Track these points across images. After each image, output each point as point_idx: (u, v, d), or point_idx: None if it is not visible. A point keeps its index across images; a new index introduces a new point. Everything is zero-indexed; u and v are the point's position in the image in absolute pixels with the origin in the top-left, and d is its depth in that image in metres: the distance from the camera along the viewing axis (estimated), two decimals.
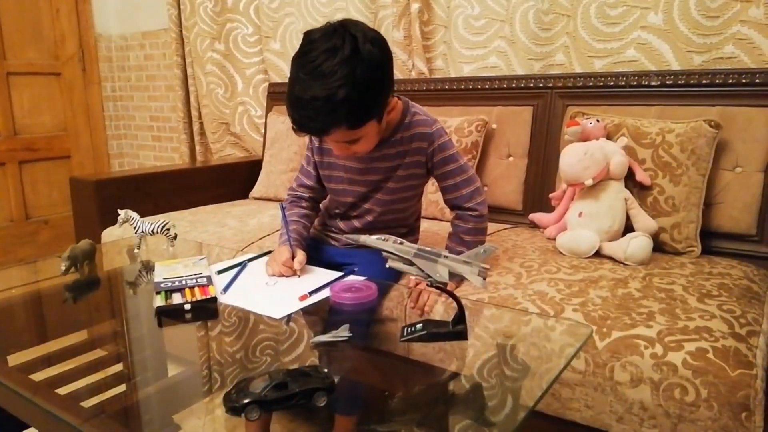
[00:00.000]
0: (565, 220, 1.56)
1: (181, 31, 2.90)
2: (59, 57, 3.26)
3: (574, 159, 1.47)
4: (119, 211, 1.44)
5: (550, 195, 1.69)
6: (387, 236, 0.90)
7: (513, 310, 1.16)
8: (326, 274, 1.22)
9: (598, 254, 1.44)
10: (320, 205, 1.48)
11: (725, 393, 0.96)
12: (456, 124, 1.91)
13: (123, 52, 3.40)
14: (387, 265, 0.89)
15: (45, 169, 3.29)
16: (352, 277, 1.20)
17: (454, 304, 0.91)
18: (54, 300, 1.26)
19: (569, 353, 0.92)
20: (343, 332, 0.91)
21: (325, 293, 1.11)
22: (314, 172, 1.40)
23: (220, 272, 1.25)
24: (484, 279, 0.87)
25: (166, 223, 1.43)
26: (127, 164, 3.62)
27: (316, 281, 1.16)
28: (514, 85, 1.94)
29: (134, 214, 1.43)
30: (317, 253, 1.42)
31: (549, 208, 1.73)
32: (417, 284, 1.29)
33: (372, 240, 0.90)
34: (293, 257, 1.21)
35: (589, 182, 1.45)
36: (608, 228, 1.45)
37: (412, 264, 0.87)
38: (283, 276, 1.19)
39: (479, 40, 2.09)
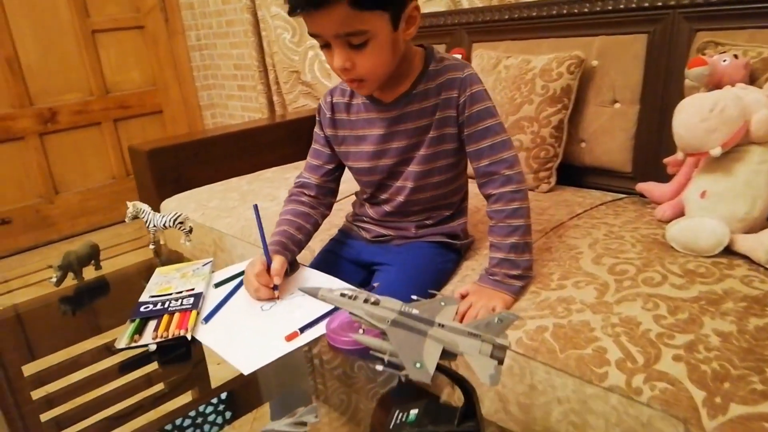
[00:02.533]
0: (683, 200, 1.14)
1: None
2: (140, 9, 3.18)
3: (695, 118, 1.03)
4: (128, 204, 1.28)
5: (665, 160, 1.26)
6: (359, 291, 0.61)
7: (565, 374, 0.81)
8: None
9: (728, 250, 1.03)
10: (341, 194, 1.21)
11: None
12: (541, 65, 1.50)
13: None
14: (354, 337, 0.61)
15: (140, 126, 3.31)
16: None
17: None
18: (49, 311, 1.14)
19: None
20: (308, 416, 0.66)
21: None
22: (325, 150, 1.13)
23: (218, 285, 1.04)
24: (500, 363, 0.56)
25: (179, 216, 1.25)
26: (219, 115, 3.56)
27: (319, 306, 0.91)
28: (622, 6, 1.46)
29: (144, 207, 1.26)
30: (344, 250, 1.17)
31: (665, 174, 1.30)
32: (460, 299, 1.00)
33: (335, 297, 0.61)
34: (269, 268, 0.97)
35: (716, 152, 1.01)
36: (744, 215, 1.02)
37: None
38: (268, 300, 0.95)
39: None
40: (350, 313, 0.60)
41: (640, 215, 1.26)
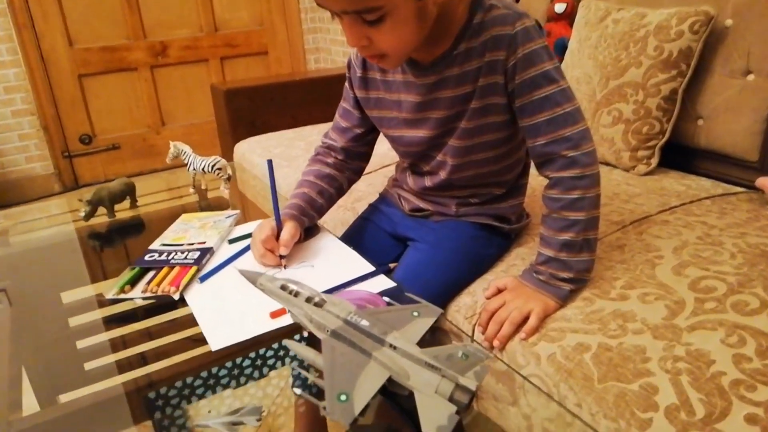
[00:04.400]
0: None
1: None
2: None
3: None
4: (171, 143, 1.22)
5: None
6: (302, 286, 0.49)
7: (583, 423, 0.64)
8: (350, 268, 0.84)
9: None
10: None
11: None
12: (658, 21, 1.23)
13: None
14: (284, 341, 0.49)
15: (245, 66, 3.33)
16: (369, 284, 0.80)
17: None
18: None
19: None
20: (249, 416, 0.56)
21: None
22: (355, 112, 0.98)
23: (232, 241, 0.96)
24: (460, 412, 0.41)
25: (218, 162, 1.18)
26: (322, 60, 3.49)
27: (326, 282, 0.80)
28: None
29: (185, 148, 1.21)
30: (381, 219, 1.04)
31: None
32: (496, 293, 0.85)
33: (274, 288, 0.49)
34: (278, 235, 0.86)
35: None
36: None
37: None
38: (270, 266, 0.85)
39: None
40: (288, 311, 0.48)
41: (753, 218, 1.00)
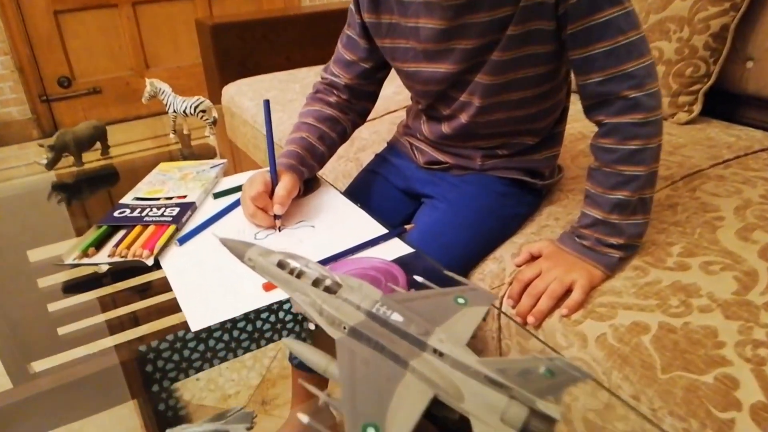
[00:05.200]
0: None
1: None
2: None
3: None
4: (147, 81, 1.06)
5: None
6: (307, 263, 0.35)
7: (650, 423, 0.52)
8: (358, 229, 0.71)
9: None
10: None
11: None
12: None
13: None
14: (284, 341, 0.36)
15: (234, 3, 3.12)
16: (381, 250, 0.66)
17: None
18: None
19: None
20: (237, 425, 0.43)
21: None
22: (362, 42, 0.82)
23: (217, 196, 0.82)
24: None
25: (201, 103, 1.02)
26: (318, 0, 3.26)
27: (331, 243, 0.67)
28: None
29: (164, 86, 1.05)
30: (391, 173, 0.90)
31: None
32: (529, 259, 0.72)
33: (267, 265, 0.36)
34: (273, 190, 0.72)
35: None
36: None
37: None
38: (261, 228, 0.71)
39: None
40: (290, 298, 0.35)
41: None
